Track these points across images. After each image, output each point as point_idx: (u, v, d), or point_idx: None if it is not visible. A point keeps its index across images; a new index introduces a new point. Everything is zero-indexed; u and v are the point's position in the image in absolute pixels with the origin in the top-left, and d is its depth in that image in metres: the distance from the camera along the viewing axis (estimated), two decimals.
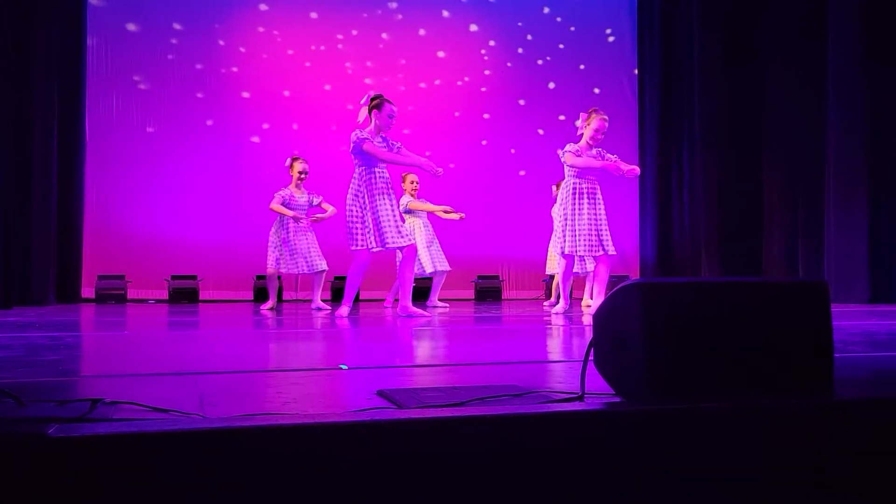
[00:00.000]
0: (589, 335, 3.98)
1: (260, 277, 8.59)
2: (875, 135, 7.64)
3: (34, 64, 8.01)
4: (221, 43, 9.83)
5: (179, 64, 9.65)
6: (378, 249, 5.75)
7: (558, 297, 6.66)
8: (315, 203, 7.51)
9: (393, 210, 5.75)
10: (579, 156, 6.06)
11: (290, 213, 7.27)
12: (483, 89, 10.52)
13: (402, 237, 5.73)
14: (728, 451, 1.52)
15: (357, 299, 8.23)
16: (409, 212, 7.72)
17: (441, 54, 10.43)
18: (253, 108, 9.84)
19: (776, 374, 1.69)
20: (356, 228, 5.74)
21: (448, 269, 8.03)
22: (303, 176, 7.45)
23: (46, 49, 8.17)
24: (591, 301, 7.31)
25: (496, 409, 1.52)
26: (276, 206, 7.30)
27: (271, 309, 7.18)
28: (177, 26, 9.66)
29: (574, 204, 6.07)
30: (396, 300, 6.25)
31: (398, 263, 7.65)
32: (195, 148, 9.60)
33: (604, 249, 6.02)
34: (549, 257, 8.44)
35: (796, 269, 8.47)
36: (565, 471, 1.43)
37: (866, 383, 2.14)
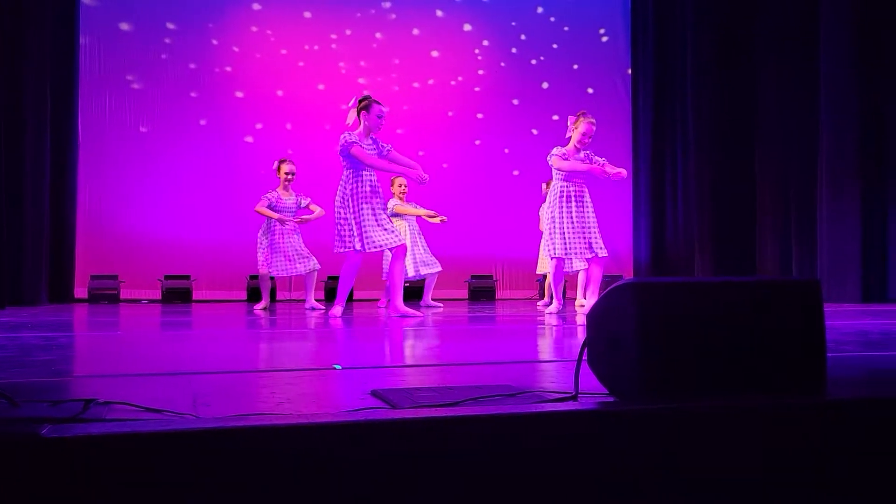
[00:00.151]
0: (582, 335, 3.98)
1: (253, 277, 8.58)
2: (867, 136, 7.67)
3: (27, 63, 7.98)
4: (215, 42, 9.81)
5: (173, 63, 9.63)
6: (359, 250, 5.74)
7: (551, 298, 6.67)
8: (303, 205, 7.51)
9: (376, 214, 5.74)
10: (566, 159, 6.06)
11: (274, 215, 7.27)
12: (477, 89, 10.52)
13: (388, 238, 5.72)
14: (721, 451, 1.53)
15: (351, 299, 8.22)
16: (395, 215, 7.71)
17: (435, 54, 10.43)
18: (246, 107, 9.83)
19: (769, 374, 1.69)
20: (343, 230, 5.75)
21: (434, 270, 8.00)
22: (289, 177, 7.44)
23: (39, 48, 8.14)
24: (585, 301, 7.33)
25: (490, 408, 1.52)
26: (260, 208, 7.30)
27: (264, 309, 7.18)
28: (170, 25, 9.64)
29: (561, 207, 6.08)
30: (389, 300, 6.24)
31: (384, 264, 7.69)
32: (188, 148, 9.59)
33: (593, 252, 6.03)
34: (540, 257, 8.45)
35: (789, 268, 8.49)
36: (559, 470, 1.43)
37: (859, 382, 2.15)
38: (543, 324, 5.14)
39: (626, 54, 10.92)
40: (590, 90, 10.76)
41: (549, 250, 6.25)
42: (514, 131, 10.49)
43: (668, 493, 1.49)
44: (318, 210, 7.53)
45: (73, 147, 9.06)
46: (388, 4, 10.31)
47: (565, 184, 6.09)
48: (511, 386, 1.97)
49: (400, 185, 7.93)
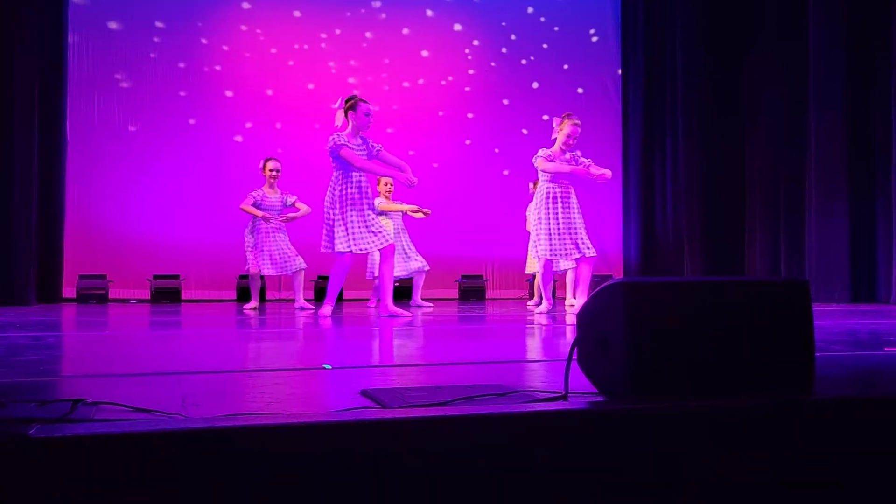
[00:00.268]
0: (572, 335, 3.99)
1: (243, 277, 8.56)
2: (856, 137, 7.71)
3: (15, 62, 7.93)
4: (204, 41, 9.78)
5: (162, 62, 9.59)
6: (346, 251, 5.73)
7: (541, 297, 6.68)
8: (289, 203, 7.50)
9: (365, 215, 5.73)
10: (552, 160, 6.09)
11: (259, 213, 7.27)
12: (467, 89, 10.52)
13: (376, 240, 5.72)
14: (710, 449, 1.53)
15: (340, 299, 8.21)
16: (381, 213, 7.71)
17: (425, 53, 10.42)
18: (236, 106, 9.80)
19: (758, 373, 1.70)
20: (331, 231, 5.75)
21: (416, 269, 7.99)
22: (274, 174, 7.43)
23: (27, 47, 8.09)
24: (574, 300, 7.34)
25: (480, 408, 1.52)
26: (245, 206, 7.30)
27: (254, 309, 7.17)
28: (159, 24, 9.61)
29: (547, 208, 6.10)
30: (379, 300, 6.24)
31: (369, 263, 7.69)
32: (178, 147, 9.55)
33: (580, 252, 6.04)
34: (528, 258, 8.47)
35: (778, 268, 8.53)
36: (549, 470, 1.43)
37: (847, 382, 2.16)
38: (533, 323, 5.15)
39: (617, 54, 10.94)
40: (580, 90, 10.78)
41: (536, 251, 6.27)
42: (504, 131, 10.49)
43: (658, 491, 1.49)
44: (304, 208, 7.53)
45: (62, 146, 9.01)
46: (377, 4, 10.30)
47: (551, 185, 6.12)
48: (501, 385, 1.98)
49: (386, 184, 7.94)
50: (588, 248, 6.05)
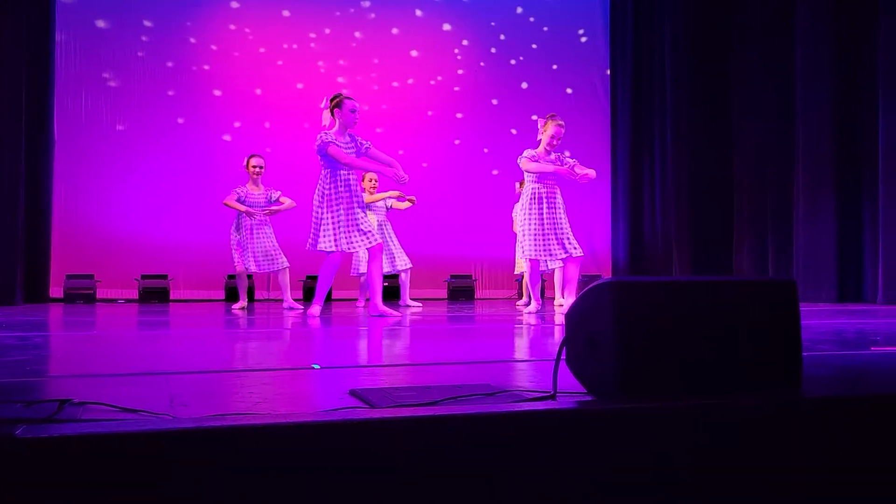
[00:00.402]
0: (561, 334, 3.99)
1: (231, 277, 8.54)
2: (842, 139, 7.76)
3: (1, 61, 7.89)
4: (192, 41, 9.75)
5: (150, 61, 9.55)
6: (332, 250, 5.72)
7: (530, 297, 6.70)
8: (273, 198, 7.50)
9: (354, 214, 5.73)
10: (536, 161, 6.11)
11: (242, 208, 7.28)
12: (456, 89, 10.52)
13: (364, 239, 5.71)
14: (698, 449, 1.54)
15: (329, 298, 8.20)
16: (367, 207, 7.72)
17: (414, 53, 10.42)
18: (224, 106, 9.77)
19: (746, 373, 1.71)
20: (319, 229, 5.74)
21: (401, 267, 7.99)
22: (257, 170, 7.44)
23: (14, 45, 8.04)
24: (563, 300, 7.36)
25: (469, 408, 1.52)
26: (229, 201, 7.31)
27: (242, 308, 7.15)
28: (147, 23, 9.57)
29: (532, 209, 6.13)
30: (368, 299, 6.24)
31: (354, 261, 7.70)
32: (166, 146, 9.52)
33: (567, 252, 6.06)
34: (517, 258, 8.48)
35: (766, 268, 8.57)
36: (537, 469, 1.43)
37: (833, 381, 2.17)
38: (522, 323, 5.15)
39: (605, 54, 10.97)
40: (569, 90, 10.80)
41: (522, 252, 6.29)
42: (493, 131, 10.50)
43: (647, 491, 1.50)
44: (287, 202, 7.52)
45: (49, 145, 8.97)
46: (367, 3, 10.29)
47: (537, 185, 6.14)
48: (490, 385, 1.98)
49: (371, 180, 7.95)
50: (575, 247, 6.07)
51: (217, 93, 9.74)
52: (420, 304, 7.91)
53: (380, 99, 10.12)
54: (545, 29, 10.82)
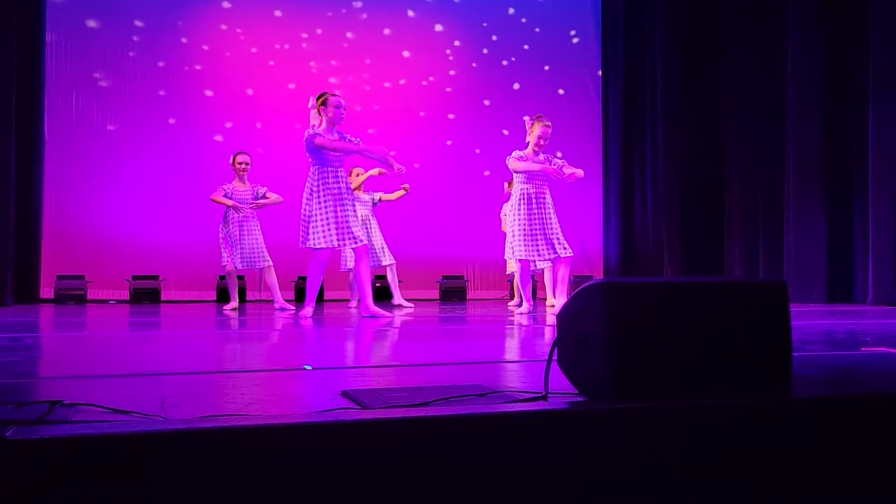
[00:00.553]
0: (552, 335, 4.00)
1: (223, 278, 8.52)
2: (832, 141, 7.78)
3: None
4: (184, 40, 9.73)
5: (141, 61, 9.53)
6: (323, 246, 5.71)
7: (522, 298, 6.70)
8: (260, 194, 7.50)
9: (344, 209, 5.72)
10: (524, 161, 6.13)
11: (229, 202, 7.27)
12: (448, 89, 10.53)
13: (351, 239, 5.71)
14: (689, 449, 1.54)
15: (321, 299, 8.19)
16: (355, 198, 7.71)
17: (406, 54, 10.42)
18: (216, 106, 9.75)
19: (736, 373, 1.71)
20: (308, 226, 5.73)
21: (385, 263, 7.99)
22: (243, 167, 7.43)
23: (4, 45, 8.02)
24: (555, 301, 7.37)
25: (460, 408, 1.52)
26: (216, 196, 7.31)
27: (234, 309, 7.13)
28: (138, 23, 9.54)
29: (520, 209, 6.15)
30: (359, 300, 6.23)
31: (341, 257, 7.70)
32: (157, 146, 9.49)
33: (556, 252, 6.08)
34: (507, 258, 8.49)
35: (756, 269, 8.59)
36: (529, 469, 1.44)
37: (823, 381, 2.18)
38: (514, 324, 5.16)
39: (597, 55, 10.99)
40: (561, 91, 10.81)
41: (512, 252, 6.30)
42: (485, 132, 10.51)
43: (638, 492, 1.50)
44: (274, 196, 7.52)
45: (40, 145, 8.93)
46: (359, 4, 10.28)
47: (526, 186, 6.16)
48: (481, 386, 1.98)
49: (357, 175, 7.96)
50: (564, 247, 6.09)
51: (208, 93, 9.72)
52: (412, 305, 7.91)
53: (372, 99, 10.11)
54: (537, 30, 10.83)
